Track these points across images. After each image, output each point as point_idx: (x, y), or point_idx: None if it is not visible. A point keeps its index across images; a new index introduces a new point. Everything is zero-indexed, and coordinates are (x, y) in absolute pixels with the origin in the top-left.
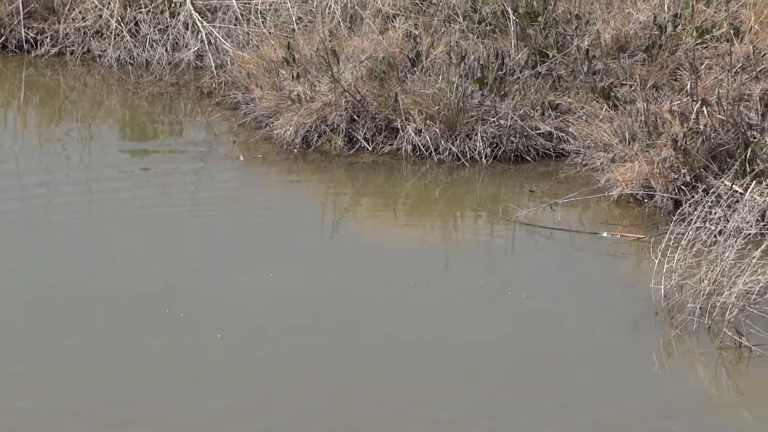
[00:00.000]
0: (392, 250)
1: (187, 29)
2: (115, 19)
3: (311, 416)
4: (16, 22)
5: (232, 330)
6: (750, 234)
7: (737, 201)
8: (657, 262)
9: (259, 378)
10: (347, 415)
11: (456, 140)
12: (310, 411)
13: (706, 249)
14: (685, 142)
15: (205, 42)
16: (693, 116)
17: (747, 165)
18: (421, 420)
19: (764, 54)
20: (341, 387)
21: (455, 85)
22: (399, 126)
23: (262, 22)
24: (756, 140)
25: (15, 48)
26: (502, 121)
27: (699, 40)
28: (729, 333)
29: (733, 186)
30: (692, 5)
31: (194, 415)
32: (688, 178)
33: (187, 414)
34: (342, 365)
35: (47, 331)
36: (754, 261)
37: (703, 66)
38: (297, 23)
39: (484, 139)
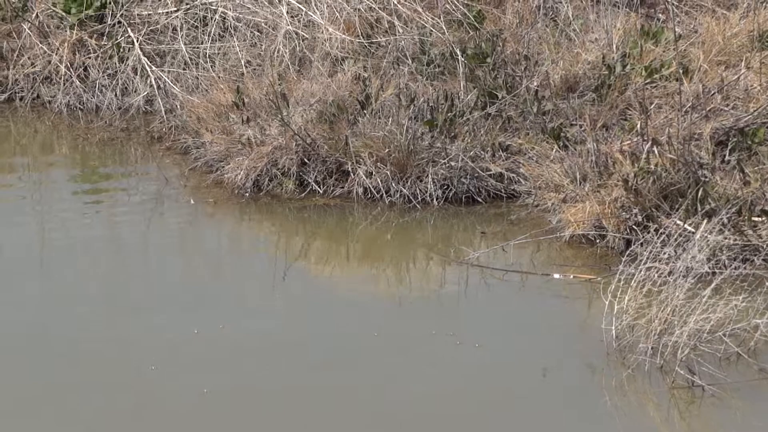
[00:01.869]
0: (343, 298)
1: (137, 74)
2: (64, 65)
3: None
4: None
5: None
6: (701, 273)
7: (688, 240)
8: (608, 302)
9: None
10: None
11: (407, 182)
12: None
13: (656, 289)
14: (636, 182)
15: (155, 87)
16: (643, 156)
17: (698, 204)
18: None
19: (713, 93)
20: None
21: (405, 128)
22: (350, 169)
23: (211, 66)
24: (707, 179)
25: None
26: (452, 163)
27: (648, 80)
28: (681, 372)
29: (684, 225)
30: (641, 45)
31: None
32: (639, 218)
33: None
34: (289, 416)
35: None
36: (704, 300)
37: (652, 105)
38: (246, 67)
39: (435, 180)
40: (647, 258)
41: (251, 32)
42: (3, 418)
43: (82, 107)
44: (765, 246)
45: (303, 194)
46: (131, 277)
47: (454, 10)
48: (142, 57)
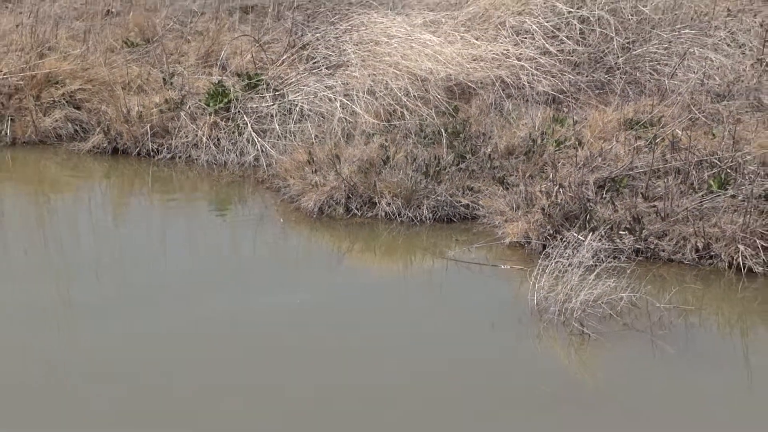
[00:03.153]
0: (374, 277)
1: (249, 143)
2: (205, 137)
3: None
4: (146, 138)
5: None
6: (587, 265)
7: (580, 245)
8: (532, 283)
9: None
10: None
11: (411, 209)
12: None
13: (561, 275)
14: (549, 210)
15: (260, 150)
16: (554, 194)
17: (587, 223)
18: None
19: (596, 156)
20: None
21: (410, 176)
22: (377, 200)
23: (293, 137)
24: (592, 208)
25: (145, 154)
26: (438, 197)
27: (557, 148)
28: (576, 325)
29: (578, 236)
30: (552, 127)
31: None
32: (551, 231)
33: None
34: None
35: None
36: (590, 281)
37: (559, 163)
38: (314, 139)
39: (428, 208)
40: (555, 256)
41: (318, 117)
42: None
43: (215, 162)
44: (626, 249)
45: (348, 216)
46: (246, 263)
47: (440, 105)
48: (252, 132)
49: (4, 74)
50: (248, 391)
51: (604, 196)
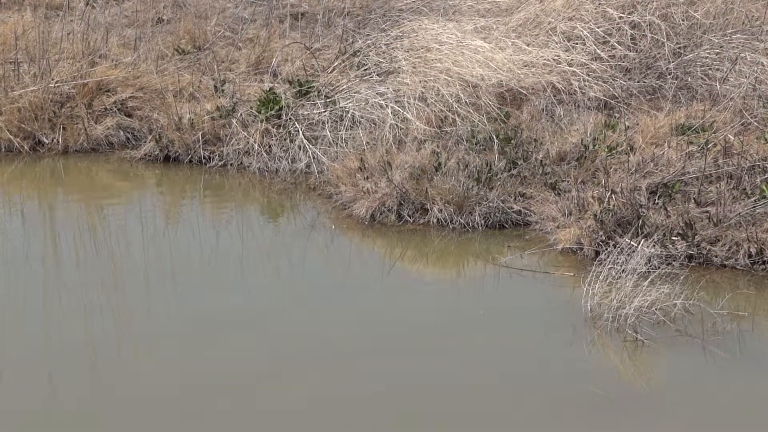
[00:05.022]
0: (426, 283)
1: (300, 150)
2: (257, 144)
3: None
4: (197, 146)
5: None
6: (641, 271)
7: (633, 251)
8: (585, 289)
9: None
10: None
11: (463, 215)
12: None
13: (614, 281)
14: (601, 216)
15: (311, 157)
16: (606, 200)
17: (639, 229)
18: None
19: (648, 162)
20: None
21: (462, 183)
22: (428, 207)
23: (345, 144)
24: (644, 214)
25: (196, 162)
26: (490, 204)
27: (609, 154)
28: (629, 332)
29: (631, 242)
30: (604, 132)
31: None
32: (603, 238)
33: None
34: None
35: None
36: (644, 288)
37: (611, 169)
38: (366, 145)
39: (480, 214)
40: (609, 262)
41: (369, 124)
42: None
43: (267, 170)
44: (679, 255)
45: (400, 222)
46: (298, 271)
47: (491, 111)
48: (304, 139)
49: (56, 82)
50: (307, 397)
51: (656, 201)
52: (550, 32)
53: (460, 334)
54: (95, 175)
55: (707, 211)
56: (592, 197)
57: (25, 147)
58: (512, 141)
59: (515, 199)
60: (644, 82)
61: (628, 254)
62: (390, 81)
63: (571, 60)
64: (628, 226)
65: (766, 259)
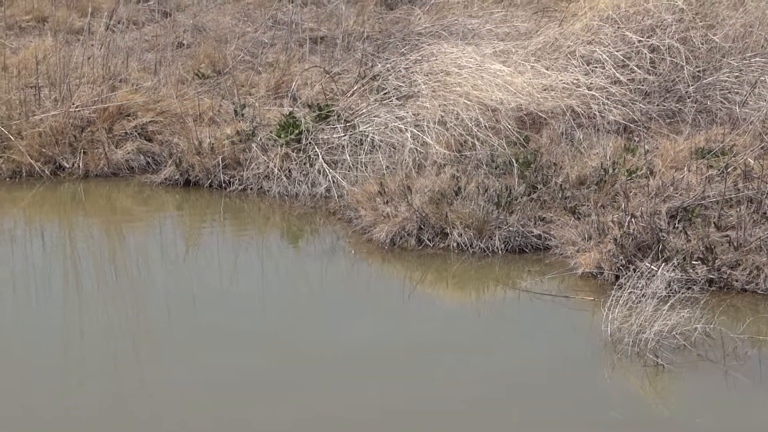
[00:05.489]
0: (445, 306)
1: (320, 174)
2: (276, 168)
3: None
4: (217, 170)
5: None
6: (661, 296)
7: (653, 275)
8: (605, 314)
9: None
10: None
11: (483, 240)
12: None
13: (634, 305)
14: (621, 240)
15: (331, 181)
16: (626, 224)
17: (659, 253)
18: None
19: (668, 185)
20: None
21: (482, 207)
22: (448, 231)
23: (365, 168)
24: (664, 238)
25: (216, 186)
26: (510, 228)
27: (629, 177)
28: (650, 356)
29: (651, 266)
30: (624, 156)
31: None
32: (624, 262)
33: None
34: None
35: None
36: (664, 312)
37: (631, 193)
38: (385, 170)
39: (500, 238)
40: (629, 286)
41: (389, 148)
42: None
43: (287, 194)
44: (699, 280)
45: (420, 247)
46: (318, 295)
47: (510, 135)
48: (323, 164)
49: (77, 107)
50: (326, 417)
51: (676, 225)
52: (569, 56)
53: (479, 358)
54: (116, 199)
55: (727, 236)
56: (612, 221)
57: (46, 171)
58: (532, 165)
59: (535, 223)
60: (664, 106)
61: (648, 278)
62: (409, 105)
63: (591, 84)
64: (648, 251)
65: None
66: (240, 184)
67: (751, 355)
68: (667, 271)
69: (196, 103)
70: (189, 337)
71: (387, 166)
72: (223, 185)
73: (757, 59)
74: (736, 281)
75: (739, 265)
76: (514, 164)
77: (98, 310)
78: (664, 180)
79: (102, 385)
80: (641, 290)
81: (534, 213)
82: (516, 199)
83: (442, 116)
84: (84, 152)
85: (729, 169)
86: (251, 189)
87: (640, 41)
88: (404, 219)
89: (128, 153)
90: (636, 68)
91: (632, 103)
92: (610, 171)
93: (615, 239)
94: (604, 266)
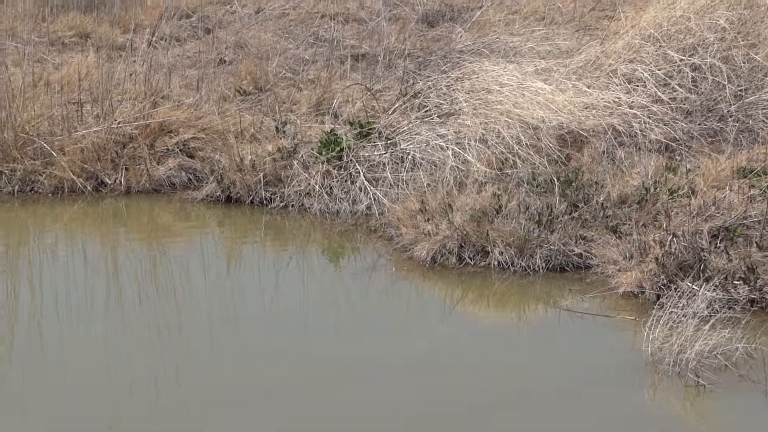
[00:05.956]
0: (486, 325)
1: (361, 191)
2: (318, 185)
3: None
4: (259, 187)
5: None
6: (702, 315)
7: (695, 295)
8: (646, 333)
9: None
10: None
11: (524, 258)
12: None
13: (675, 325)
14: (663, 259)
15: (372, 199)
16: (667, 243)
17: (701, 273)
18: None
19: (710, 205)
20: None
21: (523, 225)
22: (489, 250)
23: (406, 186)
24: (705, 258)
25: (258, 203)
26: (552, 247)
27: (670, 197)
28: (691, 376)
29: (693, 286)
30: (665, 175)
31: None
32: (665, 281)
33: None
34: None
35: None
36: (705, 332)
37: (672, 212)
38: (427, 187)
39: (541, 257)
40: (670, 306)
41: (430, 166)
42: None
43: (328, 211)
44: (741, 299)
45: (461, 265)
46: (359, 313)
47: (551, 153)
48: (364, 181)
49: (119, 123)
50: None
51: (718, 245)
52: (610, 74)
53: (519, 379)
54: (157, 215)
55: None
56: (654, 240)
57: (88, 187)
58: (573, 183)
59: (576, 242)
60: (705, 125)
61: (690, 298)
62: (451, 123)
63: (632, 102)
64: (690, 270)
65: None
66: (281, 201)
67: None
68: (709, 290)
69: (237, 119)
70: (231, 354)
71: (428, 184)
72: (265, 202)
73: None
74: None
75: None
76: (555, 183)
77: (140, 326)
78: (706, 199)
79: (146, 400)
80: (682, 310)
81: (575, 232)
82: (557, 218)
83: (483, 134)
84: (126, 168)
85: None
86: (292, 206)
87: (681, 60)
88: (445, 237)
89: (170, 169)
90: (678, 87)
91: (674, 122)
92: (652, 190)
93: (656, 258)
94: (645, 285)
